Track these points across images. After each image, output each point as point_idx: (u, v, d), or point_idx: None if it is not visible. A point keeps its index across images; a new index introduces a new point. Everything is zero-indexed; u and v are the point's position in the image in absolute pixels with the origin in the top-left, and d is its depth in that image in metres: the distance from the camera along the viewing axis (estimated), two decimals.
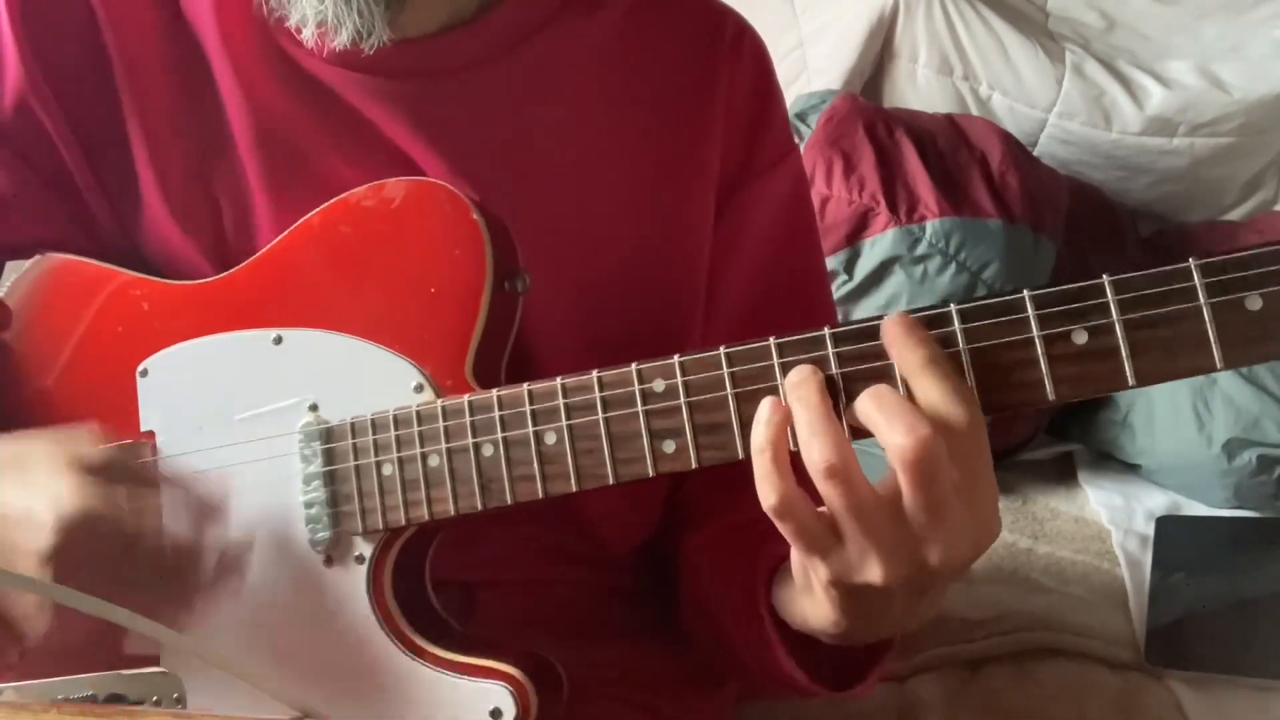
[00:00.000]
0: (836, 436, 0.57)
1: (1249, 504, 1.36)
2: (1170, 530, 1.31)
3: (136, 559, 0.65)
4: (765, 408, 0.59)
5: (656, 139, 0.80)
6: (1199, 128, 1.73)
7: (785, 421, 0.58)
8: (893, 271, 1.48)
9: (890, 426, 0.56)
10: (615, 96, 0.79)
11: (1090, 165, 1.76)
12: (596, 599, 0.85)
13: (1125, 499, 1.41)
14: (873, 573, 0.58)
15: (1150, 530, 1.32)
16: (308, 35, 0.71)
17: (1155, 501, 1.40)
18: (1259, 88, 1.72)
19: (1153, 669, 1.13)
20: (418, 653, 0.68)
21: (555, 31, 0.73)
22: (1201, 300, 0.55)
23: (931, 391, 0.57)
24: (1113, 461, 1.50)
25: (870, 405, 0.57)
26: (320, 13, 0.69)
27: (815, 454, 0.56)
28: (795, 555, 0.61)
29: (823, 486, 0.57)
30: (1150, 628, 1.17)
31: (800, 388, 0.58)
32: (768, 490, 0.58)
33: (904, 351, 0.58)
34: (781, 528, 0.59)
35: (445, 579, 0.73)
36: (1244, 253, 0.55)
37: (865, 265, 1.48)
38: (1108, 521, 1.37)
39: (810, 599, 0.64)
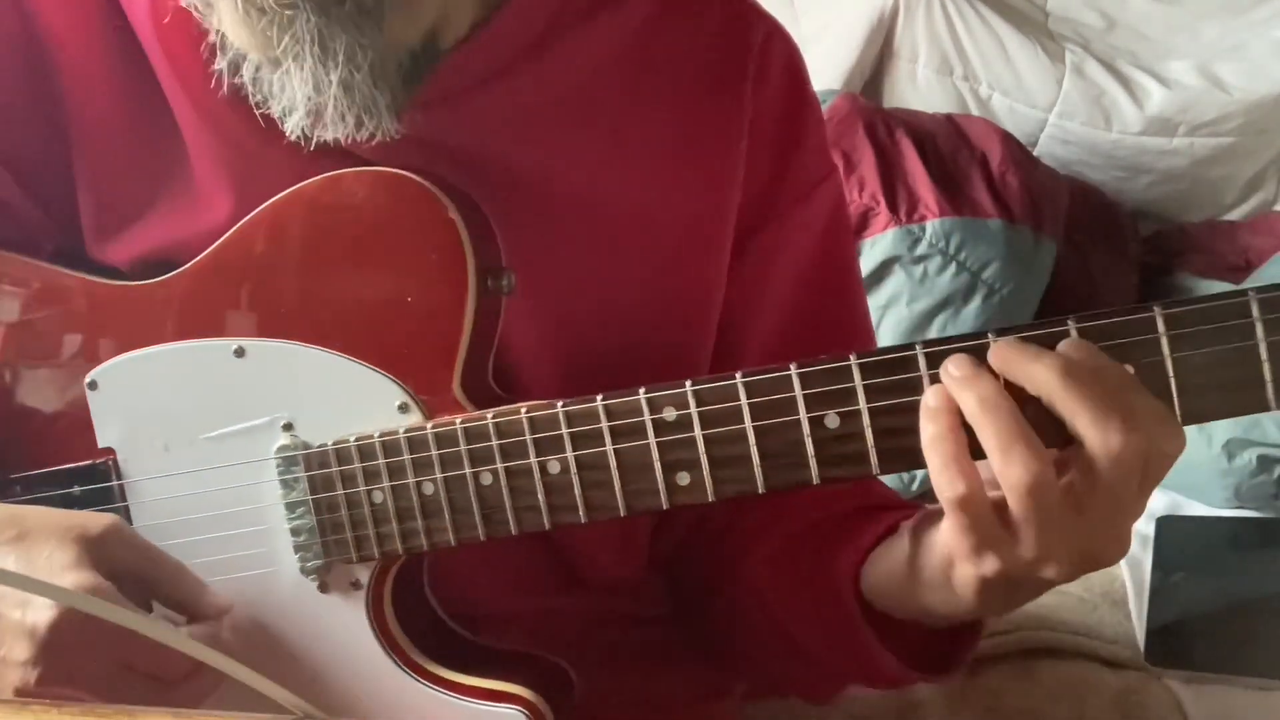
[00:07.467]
0: (1037, 447, 0.53)
1: (1249, 504, 1.36)
2: (1170, 530, 1.30)
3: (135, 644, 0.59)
4: (935, 395, 0.55)
5: (669, 156, 0.73)
6: (1199, 128, 1.73)
7: (956, 409, 0.54)
8: (893, 271, 1.48)
9: (1102, 423, 0.52)
10: (627, 111, 0.72)
11: (1090, 165, 1.76)
12: (598, 625, 0.81)
13: None
14: (1049, 571, 0.56)
15: (1150, 530, 1.32)
16: (292, 126, 0.61)
17: (1155, 501, 1.39)
18: (1259, 88, 1.72)
19: (1153, 669, 1.13)
20: (427, 677, 0.65)
21: (559, 43, 0.67)
22: (1260, 337, 0.52)
23: (1150, 403, 0.53)
24: None
25: (1076, 391, 0.53)
26: (314, 101, 0.60)
27: (1017, 469, 0.53)
28: (946, 550, 0.58)
29: (1021, 502, 0.53)
30: (1150, 628, 1.17)
31: (977, 386, 0.54)
32: (954, 482, 0.54)
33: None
34: (956, 520, 0.55)
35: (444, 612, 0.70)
36: None
37: (865, 265, 1.48)
38: None
39: (943, 591, 0.60)
